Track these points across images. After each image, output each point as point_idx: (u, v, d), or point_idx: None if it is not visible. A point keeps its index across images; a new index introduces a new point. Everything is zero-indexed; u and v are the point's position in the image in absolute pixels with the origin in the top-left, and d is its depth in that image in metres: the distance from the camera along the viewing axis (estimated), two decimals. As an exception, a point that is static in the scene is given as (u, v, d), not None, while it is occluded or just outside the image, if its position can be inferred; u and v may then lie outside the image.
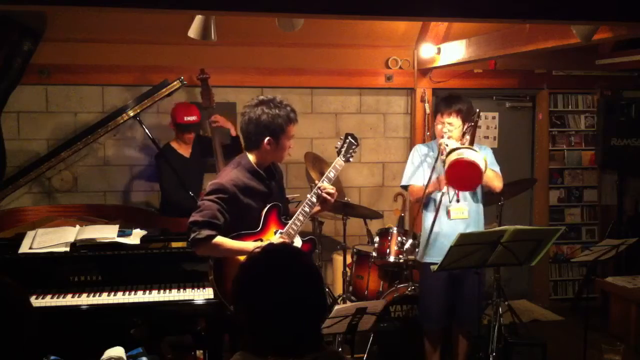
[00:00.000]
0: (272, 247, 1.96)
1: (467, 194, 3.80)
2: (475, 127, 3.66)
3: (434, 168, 3.70)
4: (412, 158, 3.97)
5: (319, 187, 3.10)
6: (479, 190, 3.84)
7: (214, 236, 2.85)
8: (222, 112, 4.93)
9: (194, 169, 4.77)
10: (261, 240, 2.97)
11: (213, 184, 2.96)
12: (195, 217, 2.88)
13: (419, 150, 3.96)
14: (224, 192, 2.90)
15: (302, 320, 1.63)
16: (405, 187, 4.01)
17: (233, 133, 4.69)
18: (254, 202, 2.98)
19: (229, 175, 2.97)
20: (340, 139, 3.27)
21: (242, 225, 2.96)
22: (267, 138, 2.94)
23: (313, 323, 1.66)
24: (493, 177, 3.73)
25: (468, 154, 3.36)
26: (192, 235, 2.86)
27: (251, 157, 3.03)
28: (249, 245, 2.92)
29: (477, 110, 3.68)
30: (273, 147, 2.97)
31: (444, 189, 3.74)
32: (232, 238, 2.92)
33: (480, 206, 3.88)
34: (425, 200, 3.80)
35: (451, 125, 3.69)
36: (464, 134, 3.69)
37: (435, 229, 3.78)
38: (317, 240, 4.88)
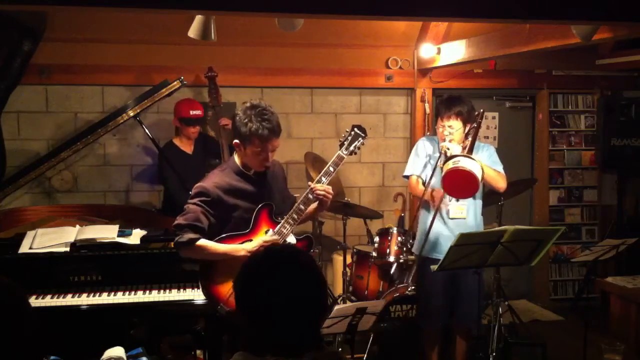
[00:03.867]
0: (274, 247, 1.95)
1: (468, 200, 3.79)
2: (477, 129, 3.65)
3: (434, 172, 3.69)
4: (416, 150, 3.96)
5: (311, 189, 3.05)
6: (478, 201, 3.83)
7: (197, 239, 2.87)
8: (223, 112, 4.93)
9: (196, 166, 4.78)
10: (250, 241, 2.96)
11: (196, 187, 2.98)
12: (179, 220, 2.91)
13: (425, 144, 3.95)
14: (206, 195, 2.92)
15: (302, 320, 1.63)
16: (407, 177, 4.00)
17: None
18: (241, 203, 2.98)
19: (213, 178, 2.99)
20: (346, 131, 3.19)
21: (232, 226, 2.97)
22: (235, 141, 2.96)
23: (313, 323, 1.66)
24: (496, 177, 3.71)
25: (464, 163, 3.35)
26: (176, 238, 2.89)
27: (237, 159, 3.05)
28: (233, 247, 2.92)
29: (481, 110, 3.66)
30: (241, 152, 2.97)
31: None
32: (221, 240, 2.93)
33: (479, 203, 3.87)
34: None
35: (451, 128, 3.67)
36: (466, 136, 3.68)
37: (435, 226, 3.78)
38: (317, 240, 4.91)
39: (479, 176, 3.34)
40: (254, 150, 2.92)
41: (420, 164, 3.89)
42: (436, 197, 3.70)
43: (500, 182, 3.73)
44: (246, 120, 2.88)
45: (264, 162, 2.99)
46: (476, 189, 3.42)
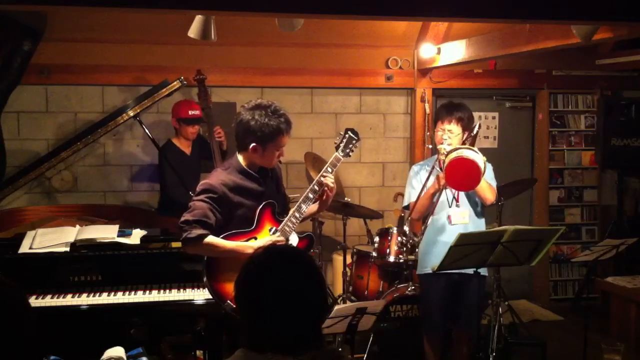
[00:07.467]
0: (275, 248, 1.98)
1: (468, 204, 3.77)
2: (475, 138, 3.66)
3: (430, 173, 3.68)
4: (409, 180, 3.93)
5: (319, 182, 3.07)
6: (479, 206, 3.82)
7: (205, 235, 2.86)
8: (221, 113, 4.94)
9: (193, 166, 4.81)
10: (255, 239, 2.96)
11: (202, 184, 2.97)
12: (186, 216, 2.89)
13: (414, 170, 3.95)
14: (213, 192, 2.91)
15: (303, 319, 1.64)
16: (408, 207, 3.93)
17: (224, 147, 4.77)
18: (246, 201, 2.99)
19: (218, 176, 2.99)
20: (340, 134, 3.25)
21: (235, 224, 2.97)
22: (253, 144, 2.93)
23: (313, 322, 1.67)
24: (487, 188, 3.68)
25: (468, 153, 3.37)
26: (184, 234, 2.87)
27: (241, 159, 3.03)
28: (241, 244, 2.92)
29: (479, 122, 3.67)
30: (259, 153, 2.96)
31: (444, 195, 3.71)
32: (226, 237, 2.92)
33: (482, 220, 3.85)
34: (425, 212, 3.75)
35: (451, 133, 3.67)
36: (463, 143, 3.68)
37: (436, 237, 3.76)
38: (317, 240, 4.90)
39: (482, 167, 3.34)
40: (274, 148, 2.95)
41: (415, 190, 3.85)
42: (441, 179, 3.64)
43: (489, 193, 3.69)
44: (265, 120, 2.89)
45: (278, 158, 3.04)
46: (478, 179, 3.40)
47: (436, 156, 3.78)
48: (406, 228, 4.14)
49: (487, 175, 3.69)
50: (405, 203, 3.95)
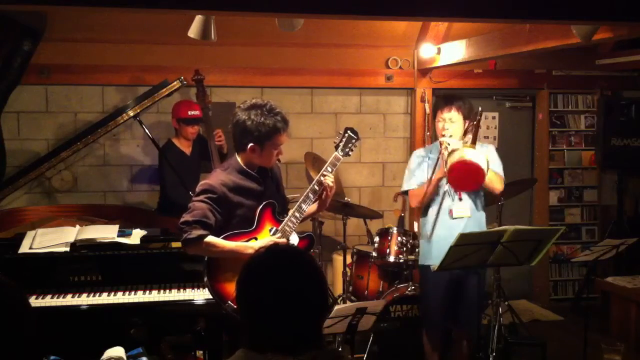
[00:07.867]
0: (275, 247, 1.98)
1: (468, 198, 3.77)
2: (477, 126, 3.56)
3: (435, 166, 3.66)
4: (410, 163, 3.92)
5: (319, 181, 3.07)
6: (480, 199, 3.81)
7: (205, 235, 2.86)
8: (221, 113, 4.93)
9: (193, 166, 4.81)
10: (255, 239, 2.97)
11: (202, 184, 2.97)
12: (186, 217, 2.89)
13: (417, 153, 3.92)
14: (213, 192, 2.92)
15: (303, 319, 1.64)
16: (406, 193, 3.95)
17: (224, 151, 4.78)
18: (246, 201, 2.99)
19: (218, 176, 2.99)
20: (339, 133, 3.24)
21: (235, 224, 2.97)
22: (251, 144, 2.93)
23: (314, 322, 1.67)
24: (494, 178, 3.65)
25: (470, 155, 3.33)
26: (184, 235, 2.87)
27: (240, 159, 3.03)
28: (241, 245, 2.92)
29: (480, 108, 3.58)
30: (257, 153, 2.96)
31: (446, 188, 3.70)
32: (227, 237, 2.92)
33: (483, 214, 3.85)
34: (426, 202, 3.76)
35: (451, 122, 3.64)
36: (465, 133, 3.64)
37: (437, 231, 3.75)
38: (317, 240, 4.90)
39: (485, 168, 3.31)
40: (272, 147, 2.96)
41: (417, 176, 3.85)
42: (438, 177, 3.64)
43: (497, 184, 3.67)
44: (262, 119, 2.89)
45: (277, 156, 3.04)
46: (482, 181, 3.38)
47: (438, 144, 3.72)
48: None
49: (491, 159, 3.65)
50: (404, 188, 3.92)
